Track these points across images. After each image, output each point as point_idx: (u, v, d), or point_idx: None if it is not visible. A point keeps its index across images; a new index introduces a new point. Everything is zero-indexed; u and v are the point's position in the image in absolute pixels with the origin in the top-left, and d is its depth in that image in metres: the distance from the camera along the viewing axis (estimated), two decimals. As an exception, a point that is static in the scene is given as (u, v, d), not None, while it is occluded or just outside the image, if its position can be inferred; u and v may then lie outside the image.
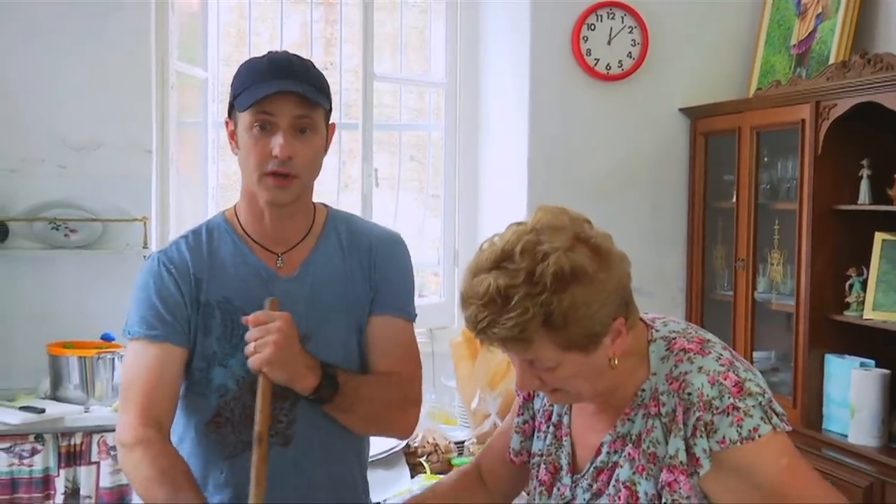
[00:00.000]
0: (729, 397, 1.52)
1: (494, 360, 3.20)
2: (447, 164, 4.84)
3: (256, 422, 1.74)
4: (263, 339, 1.79)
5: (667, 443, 1.56)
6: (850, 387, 3.55)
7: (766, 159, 4.23)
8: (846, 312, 3.73)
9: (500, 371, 3.21)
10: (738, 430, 1.51)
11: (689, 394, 1.54)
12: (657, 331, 1.66)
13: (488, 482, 1.92)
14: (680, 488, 1.54)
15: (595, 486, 1.66)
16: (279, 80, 1.86)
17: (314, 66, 1.96)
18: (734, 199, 4.30)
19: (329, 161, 4.91)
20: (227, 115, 1.97)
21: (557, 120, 4.52)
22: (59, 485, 3.64)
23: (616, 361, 1.58)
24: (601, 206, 4.52)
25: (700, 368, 1.57)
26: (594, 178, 4.57)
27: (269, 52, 1.95)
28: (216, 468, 1.96)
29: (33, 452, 3.64)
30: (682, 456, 1.54)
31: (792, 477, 1.53)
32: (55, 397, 3.81)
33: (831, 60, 3.99)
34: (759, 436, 1.51)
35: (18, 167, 4.03)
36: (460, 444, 3.22)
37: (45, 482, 3.66)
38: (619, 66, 4.55)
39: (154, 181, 4.16)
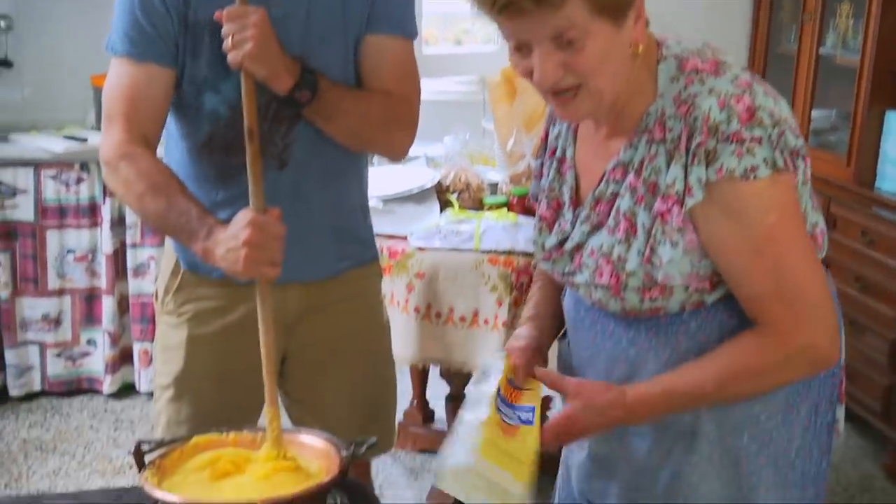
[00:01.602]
0: (737, 123, 1.39)
1: (532, 101, 3.11)
2: None
3: (245, 118, 1.64)
4: (242, 35, 1.69)
5: (668, 171, 1.45)
6: (907, 144, 3.41)
7: None
8: (913, 67, 3.55)
9: (537, 112, 3.12)
10: (738, 161, 1.39)
11: (696, 118, 1.42)
12: (668, 48, 1.51)
13: None
14: (672, 219, 1.45)
15: (594, 218, 1.56)
16: None
17: None
18: (808, -54, 4.03)
19: None
20: None
21: None
22: (105, 213, 3.71)
23: (640, 48, 1.45)
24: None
25: (711, 90, 1.42)
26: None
27: None
28: (211, 190, 1.91)
29: (79, 181, 3.71)
30: (679, 185, 1.43)
31: (774, 235, 1.42)
32: (101, 128, 3.82)
33: None
34: (756, 177, 1.39)
35: None
36: (495, 184, 3.18)
37: (92, 210, 3.75)
38: None
39: None
